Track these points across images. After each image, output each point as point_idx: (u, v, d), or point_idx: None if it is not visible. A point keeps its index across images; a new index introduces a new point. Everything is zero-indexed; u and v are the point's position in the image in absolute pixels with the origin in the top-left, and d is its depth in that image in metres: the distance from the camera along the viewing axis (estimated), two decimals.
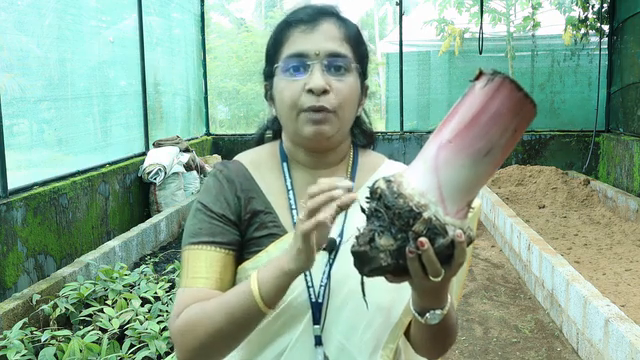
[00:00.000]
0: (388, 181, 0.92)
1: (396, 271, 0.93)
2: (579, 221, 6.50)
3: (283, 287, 1.02)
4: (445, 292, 1.03)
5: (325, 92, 1.14)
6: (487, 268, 5.21)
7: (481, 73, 0.90)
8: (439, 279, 0.93)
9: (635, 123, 7.44)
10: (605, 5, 8.34)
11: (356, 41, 1.21)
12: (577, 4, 8.74)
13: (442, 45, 9.42)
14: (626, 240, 5.65)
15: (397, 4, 9.10)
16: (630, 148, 7.23)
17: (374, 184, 0.94)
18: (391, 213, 0.90)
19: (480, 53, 8.52)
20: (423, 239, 0.88)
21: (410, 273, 0.93)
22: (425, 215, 0.88)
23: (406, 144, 8.90)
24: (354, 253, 0.93)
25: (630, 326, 2.94)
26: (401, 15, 9.11)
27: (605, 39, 8.41)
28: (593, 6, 8.53)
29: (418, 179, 0.91)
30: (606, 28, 8.44)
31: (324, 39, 1.16)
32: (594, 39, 8.63)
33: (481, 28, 8.55)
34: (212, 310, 1.07)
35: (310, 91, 1.14)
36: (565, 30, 8.88)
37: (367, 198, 0.95)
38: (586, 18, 8.57)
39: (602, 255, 5.21)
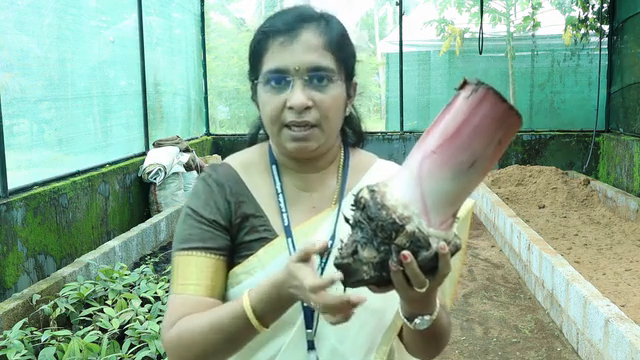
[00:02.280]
0: (372, 191, 0.91)
1: (380, 283, 0.92)
2: (579, 221, 6.49)
3: (280, 306, 1.03)
4: (433, 299, 1.02)
5: (307, 108, 1.11)
6: (487, 268, 5.21)
7: (465, 82, 0.88)
8: (424, 290, 0.92)
9: (635, 123, 7.44)
10: (605, 5, 8.33)
11: (339, 45, 1.16)
12: (577, 4, 8.74)
13: (442, 45, 9.42)
14: (626, 240, 5.65)
15: (397, 4, 9.10)
16: (630, 148, 7.23)
17: (358, 193, 0.92)
18: (374, 225, 0.88)
19: (480, 53, 8.52)
20: (406, 252, 0.87)
21: (394, 284, 0.92)
22: (408, 228, 0.87)
23: (406, 144, 8.90)
24: (337, 265, 0.92)
25: (630, 326, 2.94)
26: (401, 15, 9.11)
27: (605, 39, 8.41)
28: (593, 6, 8.53)
29: (402, 189, 0.89)
30: (606, 28, 8.44)
31: (304, 51, 1.11)
32: (594, 39, 8.62)
33: (481, 28, 8.55)
34: (207, 330, 1.06)
35: (291, 108, 1.11)
36: (565, 30, 8.87)
37: (352, 207, 0.93)
38: (586, 18, 8.56)
39: (602, 255, 5.20)
